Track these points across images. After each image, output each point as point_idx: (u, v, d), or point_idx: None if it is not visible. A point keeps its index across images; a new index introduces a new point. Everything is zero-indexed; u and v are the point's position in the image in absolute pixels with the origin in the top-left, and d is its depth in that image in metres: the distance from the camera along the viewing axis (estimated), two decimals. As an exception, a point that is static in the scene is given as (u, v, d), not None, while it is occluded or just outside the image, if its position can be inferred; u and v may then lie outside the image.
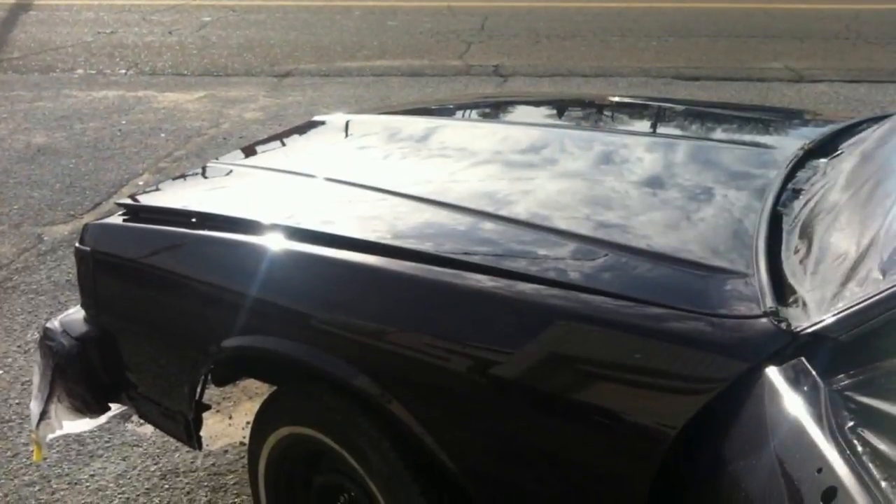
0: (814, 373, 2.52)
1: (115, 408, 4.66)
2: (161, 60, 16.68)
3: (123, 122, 12.56)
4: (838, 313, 2.63)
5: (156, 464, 5.40)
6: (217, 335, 3.71)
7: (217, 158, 5.23)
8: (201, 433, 4.25)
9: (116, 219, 4.28)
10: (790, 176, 3.84)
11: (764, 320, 2.74)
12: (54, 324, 4.36)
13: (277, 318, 3.51)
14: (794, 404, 2.45)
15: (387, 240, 3.54)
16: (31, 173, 10.35)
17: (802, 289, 2.95)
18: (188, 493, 5.12)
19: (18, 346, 6.65)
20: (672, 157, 4.31)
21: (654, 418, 2.66)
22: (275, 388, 4.13)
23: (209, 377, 3.97)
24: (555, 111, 6.02)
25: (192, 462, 5.40)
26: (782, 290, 2.95)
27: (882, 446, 2.29)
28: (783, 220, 3.42)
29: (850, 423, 2.35)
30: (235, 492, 5.09)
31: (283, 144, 5.34)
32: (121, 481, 5.24)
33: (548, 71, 15.68)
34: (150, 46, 17.79)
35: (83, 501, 5.06)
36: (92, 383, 4.35)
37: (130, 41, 18.30)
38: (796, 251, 3.20)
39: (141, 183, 9.99)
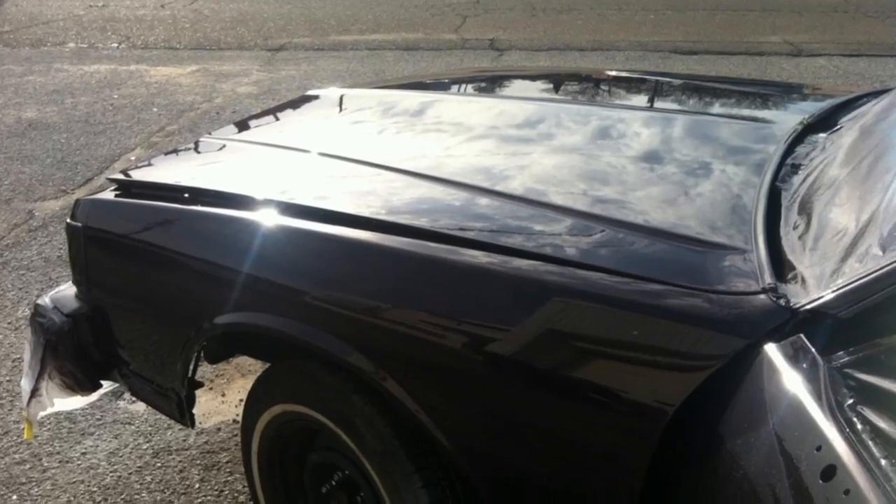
0: (813, 350, 2.49)
1: (107, 385, 4.62)
2: (153, 34, 16.57)
3: (115, 96, 12.47)
4: (838, 289, 2.60)
5: (148, 442, 5.38)
6: (210, 312, 3.67)
7: (210, 133, 5.18)
8: (194, 411, 4.22)
9: (108, 194, 4.24)
10: (789, 151, 3.80)
11: (762, 297, 2.70)
12: (45, 300, 4.32)
13: (271, 295, 3.47)
14: (793, 382, 2.42)
15: (381, 215, 3.49)
16: (22, 148, 10.28)
17: (801, 265, 2.92)
18: (180, 471, 5.10)
19: (9, 323, 6.62)
20: (669, 132, 4.26)
21: (652, 396, 2.63)
22: (268, 365, 4.10)
23: (202, 354, 3.93)
24: (551, 85, 5.97)
25: (184, 440, 5.38)
26: (781, 266, 2.91)
27: (882, 424, 2.27)
28: (782, 195, 3.38)
29: (850, 401, 2.33)
30: (228, 470, 5.08)
31: (277, 119, 5.29)
32: (112, 459, 5.22)
33: (544, 45, 15.60)
34: (143, 20, 17.67)
35: (74, 479, 5.04)
36: (83, 360, 4.31)
37: (122, 15, 18.18)
38: (795, 227, 3.17)
39: (133, 158, 9.93)
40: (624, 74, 6.50)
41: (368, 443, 3.47)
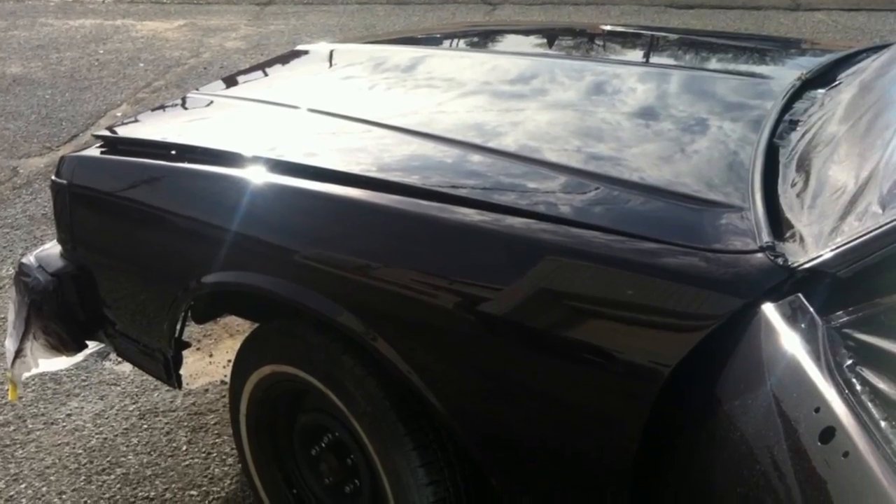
0: (811, 310, 2.45)
1: (93, 346, 4.57)
2: (140, -12, 16.34)
3: (101, 51, 12.31)
4: (837, 248, 2.56)
5: (134, 403, 5.35)
6: (197, 271, 3.62)
7: (198, 89, 5.09)
8: (181, 371, 4.17)
9: (94, 151, 4.16)
10: (787, 107, 3.73)
11: (760, 255, 2.65)
12: (30, 259, 4.25)
13: (259, 254, 3.41)
14: (791, 342, 2.38)
15: (372, 173, 3.43)
16: (6, 104, 10.15)
17: (800, 223, 2.86)
18: (167, 433, 5.07)
19: (-6, 282, 6.55)
20: (665, 88, 4.19)
21: (647, 356, 2.59)
22: (256, 325, 4.05)
23: (189, 314, 3.87)
24: (545, 40, 5.87)
25: (171, 401, 5.35)
26: (779, 224, 2.86)
27: (881, 385, 2.23)
28: (780, 152, 3.32)
29: (849, 362, 2.29)
30: (216, 432, 5.04)
31: (266, 75, 5.19)
32: (98, 421, 5.18)
33: (537, -1, 15.43)
34: (129, -27, 17.40)
35: (59, 441, 5.00)
36: (68, 321, 4.25)
37: (108, -32, 17.89)
38: (793, 184, 3.11)
39: (119, 114, 9.81)
40: (619, 29, 6.40)
41: (359, 404, 3.43)
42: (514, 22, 12.35)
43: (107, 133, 4.34)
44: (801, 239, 2.77)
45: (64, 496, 4.65)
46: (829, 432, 2.13)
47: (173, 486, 4.67)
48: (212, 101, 4.58)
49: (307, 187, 3.40)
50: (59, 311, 4.19)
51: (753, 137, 3.48)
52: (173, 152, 3.88)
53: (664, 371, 2.69)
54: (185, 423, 5.04)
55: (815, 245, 2.69)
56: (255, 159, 3.63)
